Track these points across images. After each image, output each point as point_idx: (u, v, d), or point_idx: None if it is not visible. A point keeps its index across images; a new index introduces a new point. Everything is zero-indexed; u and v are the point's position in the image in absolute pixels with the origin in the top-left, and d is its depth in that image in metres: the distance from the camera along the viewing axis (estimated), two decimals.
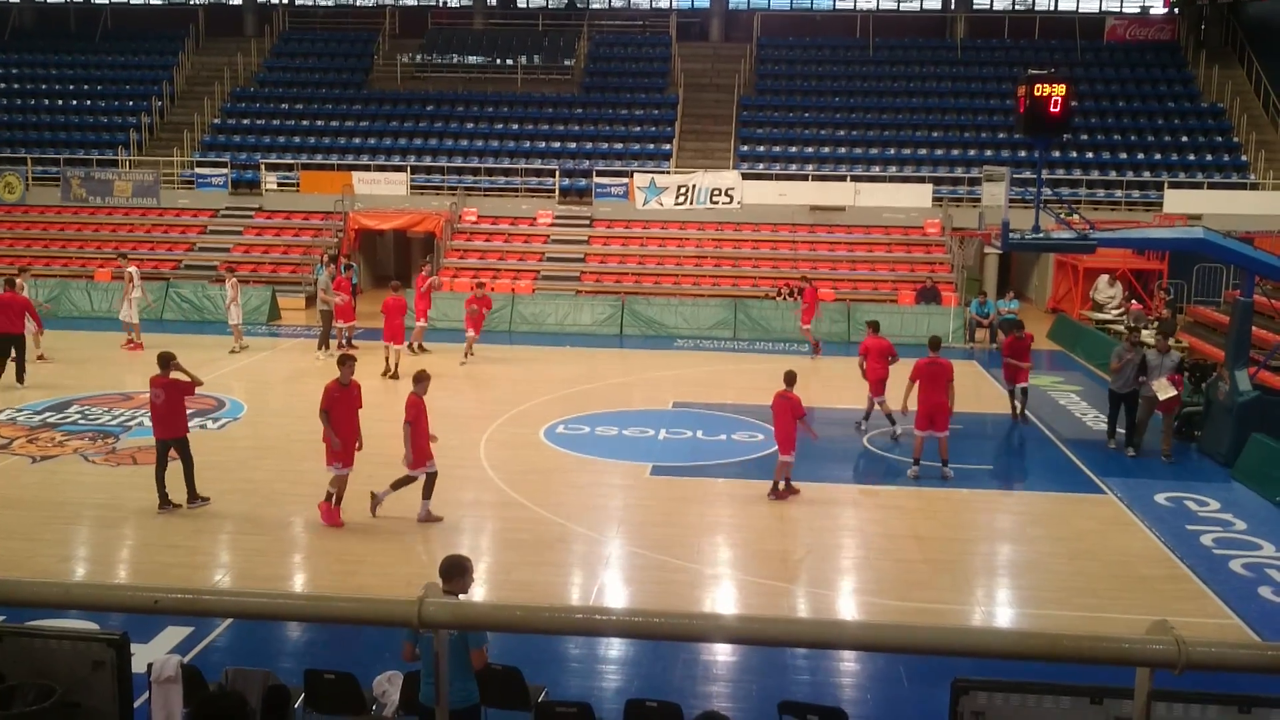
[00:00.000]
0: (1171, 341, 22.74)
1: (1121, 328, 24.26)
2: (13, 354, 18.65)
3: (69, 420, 16.35)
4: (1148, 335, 23.20)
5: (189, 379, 12.69)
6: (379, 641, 8.60)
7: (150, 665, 6.96)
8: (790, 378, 13.44)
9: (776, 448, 13.53)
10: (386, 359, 20.33)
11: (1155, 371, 15.57)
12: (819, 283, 27.57)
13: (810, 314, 23.26)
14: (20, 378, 18.57)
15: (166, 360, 12.50)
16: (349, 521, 12.32)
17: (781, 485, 13.48)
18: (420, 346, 22.15)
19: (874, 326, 17.05)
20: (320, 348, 21.84)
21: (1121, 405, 16.11)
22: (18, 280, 20.56)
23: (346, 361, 12.60)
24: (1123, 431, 16.20)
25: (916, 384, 14.43)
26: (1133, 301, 25.71)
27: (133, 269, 22.78)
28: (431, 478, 12.33)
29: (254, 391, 18.79)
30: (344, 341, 22.35)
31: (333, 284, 22.15)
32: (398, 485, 12.36)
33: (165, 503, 12.52)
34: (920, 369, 14.41)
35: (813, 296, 23.52)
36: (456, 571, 6.93)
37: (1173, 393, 15.44)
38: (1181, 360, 16.34)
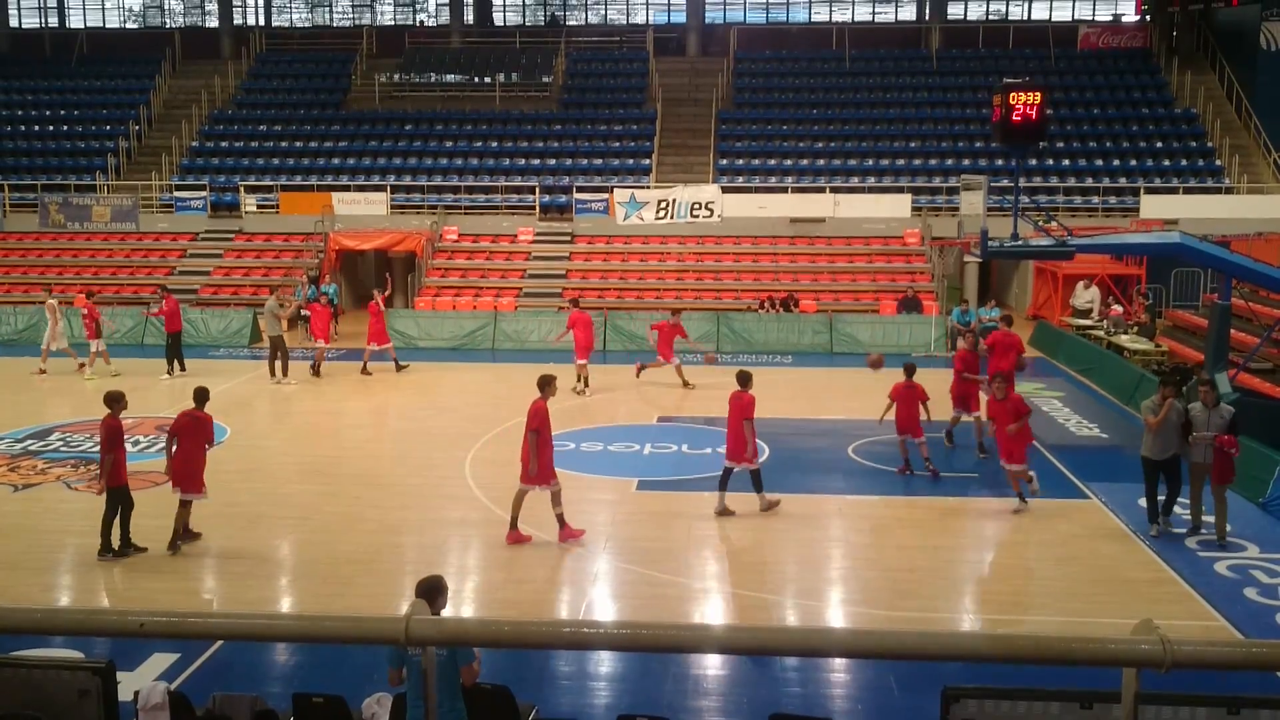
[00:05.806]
0: (1153, 346, 23.00)
1: (1101, 333, 24.40)
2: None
3: (51, 448, 16.23)
4: (1129, 340, 23.40)
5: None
6: (367, 664, 8.54)
7: (136, 693, 6.91)
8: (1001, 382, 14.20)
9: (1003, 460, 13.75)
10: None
11: (1202, 431, 12.47)
12: (800, 295, 27.69)
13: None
14: (182, 366, 22.22)
15: (114, 399, 11.91)
16: (332, 543, 12.26)
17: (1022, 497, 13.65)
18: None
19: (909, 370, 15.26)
20: (274, 375, 21.47)
21: (1160, 476, 12.69)
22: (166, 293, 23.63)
23: (550, 381, 12.55)
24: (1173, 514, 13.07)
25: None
26: (1113, 307, 25.88)
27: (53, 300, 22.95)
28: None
29: (237, 415, 18.68)
30: (314, 367, 22.33)
31: (308, 305, 22.27)
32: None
33: (124, 545, 11.85)
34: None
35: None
36: (437, 591, 6.94)
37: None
38: (1234, 416, 12.56)
